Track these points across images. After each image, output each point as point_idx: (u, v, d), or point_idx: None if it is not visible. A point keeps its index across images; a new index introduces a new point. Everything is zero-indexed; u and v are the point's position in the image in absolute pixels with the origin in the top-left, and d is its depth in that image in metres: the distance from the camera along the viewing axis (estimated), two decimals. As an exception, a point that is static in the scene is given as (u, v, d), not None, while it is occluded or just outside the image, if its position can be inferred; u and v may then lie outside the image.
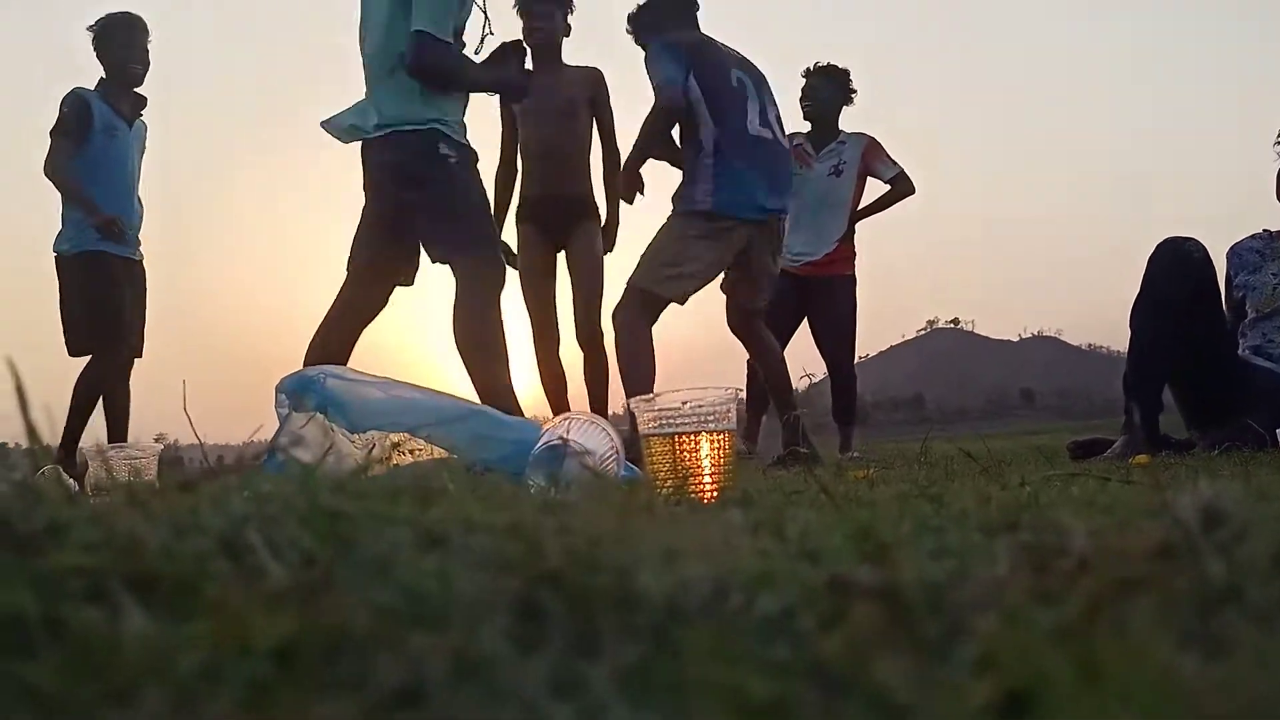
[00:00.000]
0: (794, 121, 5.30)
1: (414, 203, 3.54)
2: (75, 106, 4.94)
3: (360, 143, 3.65)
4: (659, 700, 0.31)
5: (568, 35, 4.83)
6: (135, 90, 5.19)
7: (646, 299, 4.09)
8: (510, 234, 4.93)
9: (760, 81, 4.32)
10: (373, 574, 0.41)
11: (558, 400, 4.87)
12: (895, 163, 5.87)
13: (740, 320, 4.41)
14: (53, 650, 0.34)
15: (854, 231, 5.97)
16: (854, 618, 0.35)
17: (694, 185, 4.11)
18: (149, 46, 5.19)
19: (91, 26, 5.12)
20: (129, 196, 5.15)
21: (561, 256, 4.89)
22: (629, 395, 3.92)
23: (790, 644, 0.35)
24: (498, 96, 4.62)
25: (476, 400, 3.13)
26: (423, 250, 3.66)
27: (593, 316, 4.75)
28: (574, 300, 4.82)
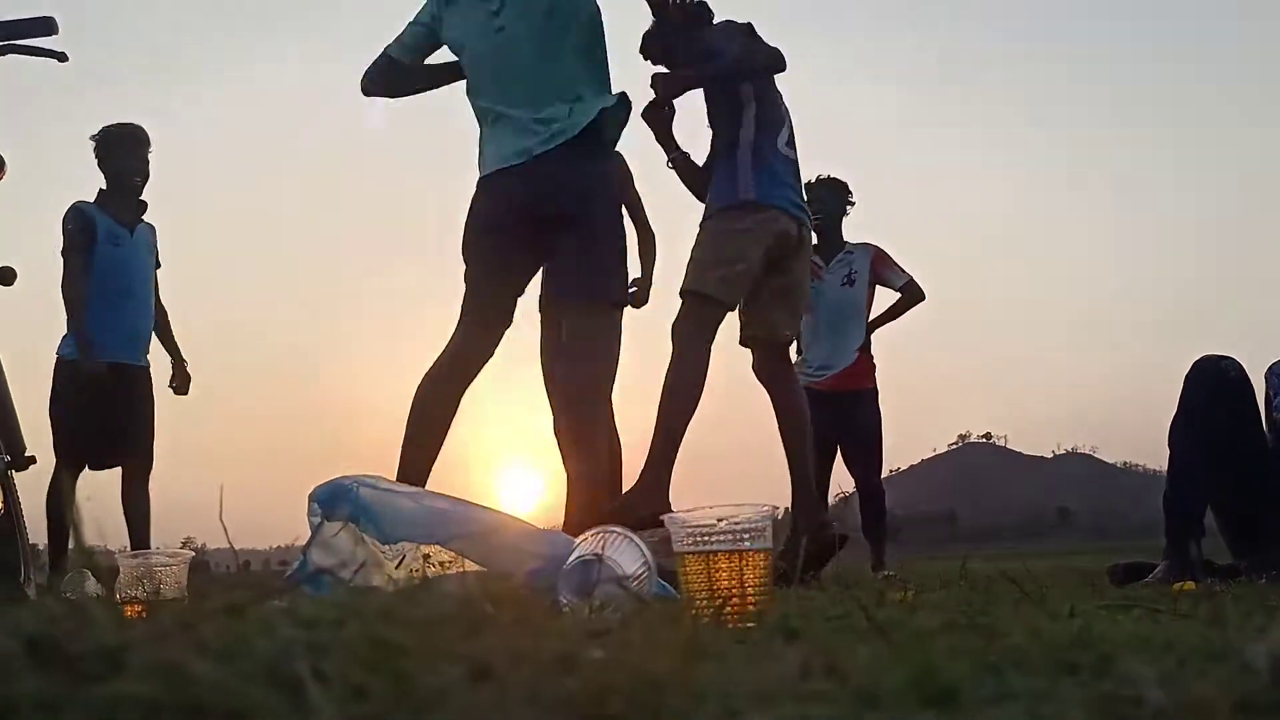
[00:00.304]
0: None
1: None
2: (78, 221, 5.04)
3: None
4: None
5: None
6: (136, 198, 5.27)
7: (703, 306, 3.88)
8: None
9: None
10: (426, 711, 0.40)
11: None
12: (904, 271, 5.90)
13: (768, 355, 4.21)
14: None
15: (870, 342, 5.98)
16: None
17: (733, 179, 3.96)
18: (149, 156, 5.30)
19: (94, 136, 5.23)
20: (135, 303, 5.19)
21: None
22: (667, 415, 3.78)
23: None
24: None
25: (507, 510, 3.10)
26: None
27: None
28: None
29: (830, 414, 5.56)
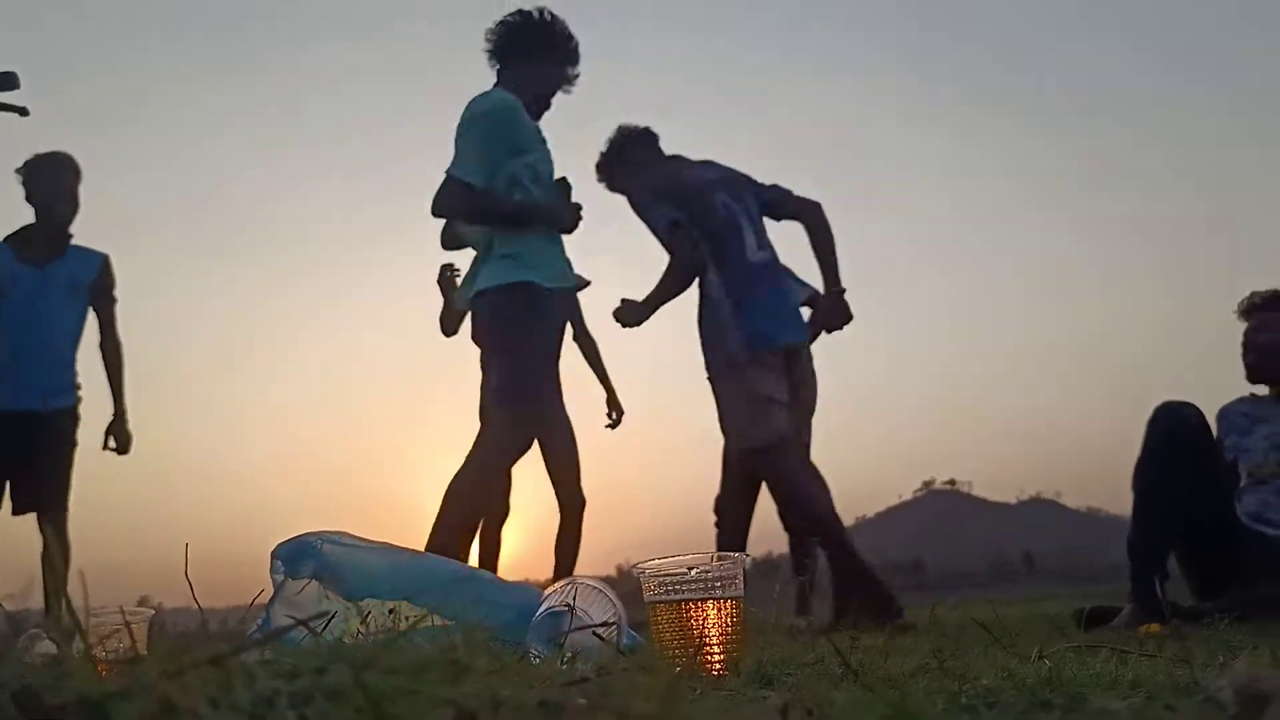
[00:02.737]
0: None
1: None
2: None
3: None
4: None
5: None
6: (60, 233, 4.89)
7: (771, 451, 4.10)
8: None
9: (740, 190, 4.31)
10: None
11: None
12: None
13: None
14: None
15: None
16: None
17: (725, 339, 4.10)
18: (78, 188, 4.93)
19: (19, 169, 4.89)
20: (37, 345, 4.76)
21: None
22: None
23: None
24: None
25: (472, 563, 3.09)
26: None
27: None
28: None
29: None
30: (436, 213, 3.79)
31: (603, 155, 4.61)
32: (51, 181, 4.86)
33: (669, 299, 4.30)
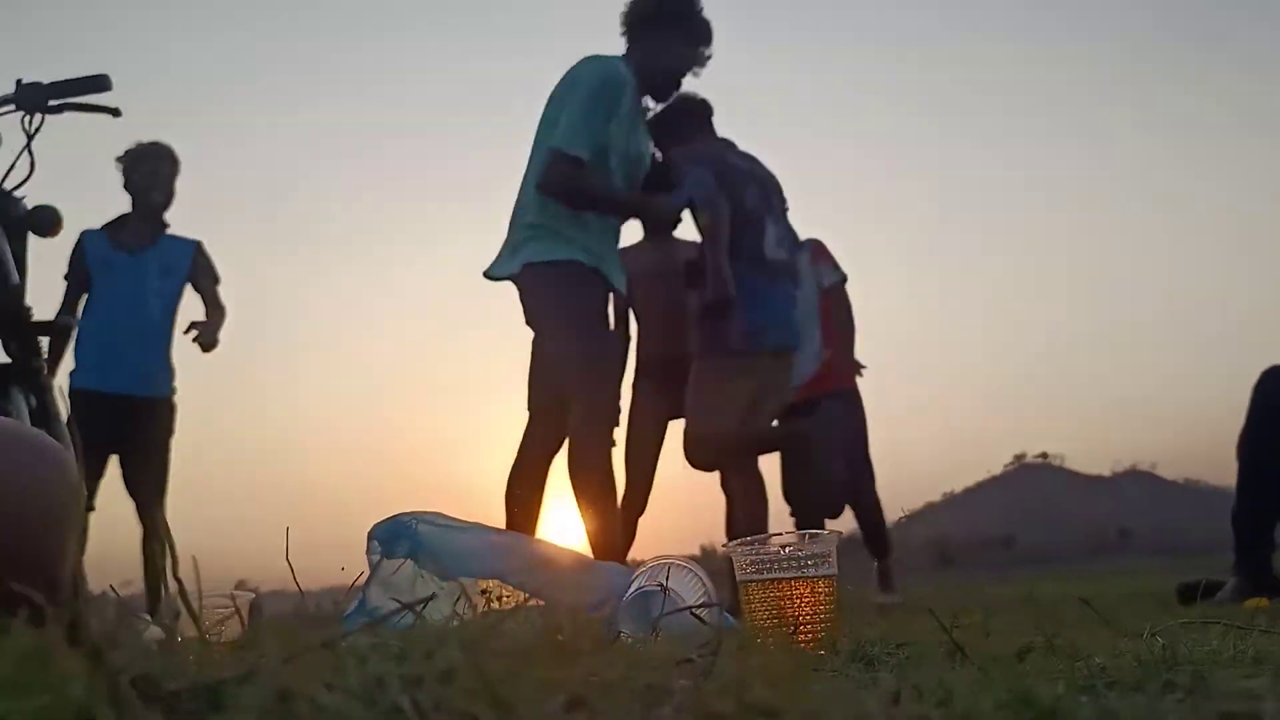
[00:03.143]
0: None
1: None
2: (72, 251, 4.87)
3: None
4: None
5: None
6: (155, 219, 5.00)
7: (730, 444, 4.11)
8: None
9: (772, 191, 4.30)
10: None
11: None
12: (839, 268, 5.51)
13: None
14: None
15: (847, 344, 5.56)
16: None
17: (723, 326, 4.06)
18: (175, 178, 5.05)
19: (119, 157, 5.02)
20: (132, 330, 4.84)
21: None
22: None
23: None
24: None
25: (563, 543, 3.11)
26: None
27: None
28: None
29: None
30: (547, 191, 3.63)
31: (656, 117, 4.52)
32: (150, 170, 4.96)
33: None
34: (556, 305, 3.71)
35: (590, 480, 3.57)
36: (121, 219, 4.98)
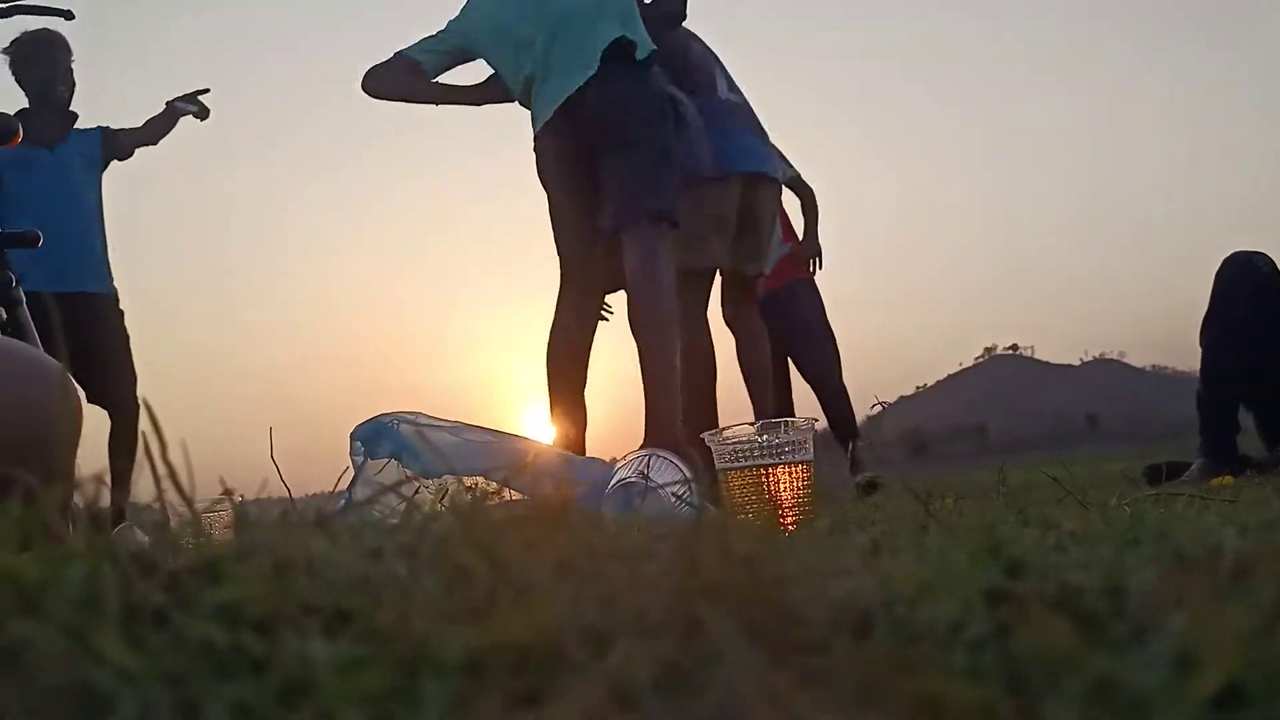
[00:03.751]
0: None
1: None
2: None
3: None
4: (856, 712, 0.30)
5: None
6: (63, 110, 4.76)
7: (686, 280, 3.95)
8: None
9: (716, 59, 4.31)
10: (533, 595, 0.41)
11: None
12: (789, 165, 5.36)
13: (730, 294, 4.38)
14: (251, 678, 0.35)
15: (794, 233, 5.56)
16: (1036, 622, 0.34)
17: (689, 156, 3.86)
18: (71, 64, 4.78)
19: (6, 49, 4.69)
20: (68, 226, 4.60)
21: None
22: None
23: (971, 652, 0.35)
24: None
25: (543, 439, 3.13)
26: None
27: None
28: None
29: (772, 319, 5.16)
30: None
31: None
32: (48, 60, 4.70)
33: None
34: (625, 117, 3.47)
35: (657, 330, 3.26)
36: (20, 115, 4.51)
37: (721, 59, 4.37)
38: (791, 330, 5.40)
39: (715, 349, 4.18)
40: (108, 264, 4.81)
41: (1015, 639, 0.35)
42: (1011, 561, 0.53)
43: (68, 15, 3.24)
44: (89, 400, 4.63)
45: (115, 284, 4.82)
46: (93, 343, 4.58)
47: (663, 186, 3.39)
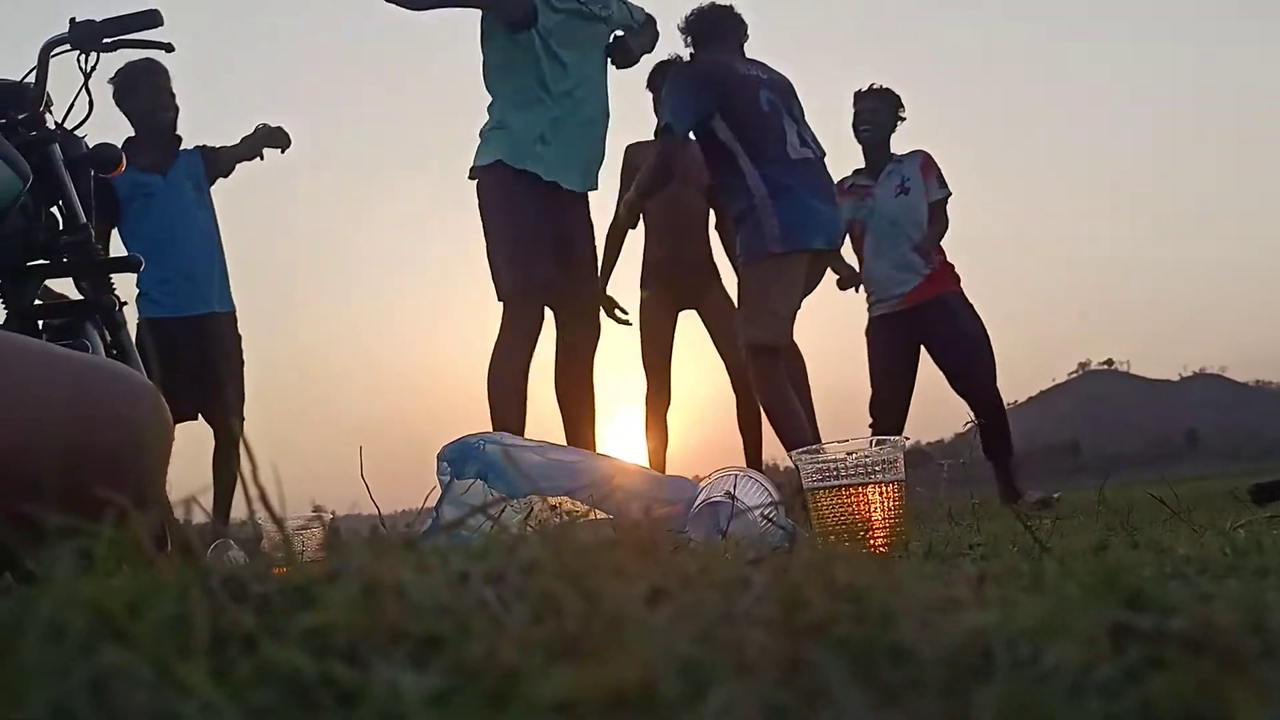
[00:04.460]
0: (832, 143, 4.91)
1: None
2: (95, 188, 4.74)
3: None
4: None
5: None
6: (169, 136, 4.89)
7: (766, 354, 4.11)
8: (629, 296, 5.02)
9: (789, 95, 4.28)
10: (624, 630, 0.39)
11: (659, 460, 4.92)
12: (945, 185, 5.41)
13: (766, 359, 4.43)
14: (337, 711, 0.34)
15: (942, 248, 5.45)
16: (1177, 666, 0.32)
17: (759, 229, 4.05)
18: (172, 88, 4.91)
19: (111, 79, 4.77)
20: (185, 249, 4.75)
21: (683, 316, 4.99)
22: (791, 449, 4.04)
23: (1104, 697, 0.32)
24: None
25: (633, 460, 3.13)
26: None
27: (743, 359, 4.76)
28: (722, 349, 4.86)
29: (916, 332, 5.23)
30: None
31: (694, 13, 4.51)
32: (152, 87, 4.81)
33: (645, 201, 4.42)
34: (485, 213, 3.81)
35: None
36: (129, 144, 4.70)
37: (794, 87, 4.35)
38: (948, 342, 5.27)
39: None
40: (228, 281, 4.95)
41: (1153, 683, 0.32)
42: (1131, 593, 0.50)
43: (168, 48, 3.35)
44: (204, 418, 4.79)
45: (234, 301, 4.97)
46: (212, 362, 4.71)
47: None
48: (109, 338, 2.91)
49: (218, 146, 5.00)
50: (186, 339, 4.65)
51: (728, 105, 4.11)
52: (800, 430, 4.01)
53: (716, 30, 4.43)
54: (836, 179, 5.28)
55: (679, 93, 4.16)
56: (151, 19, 3.19)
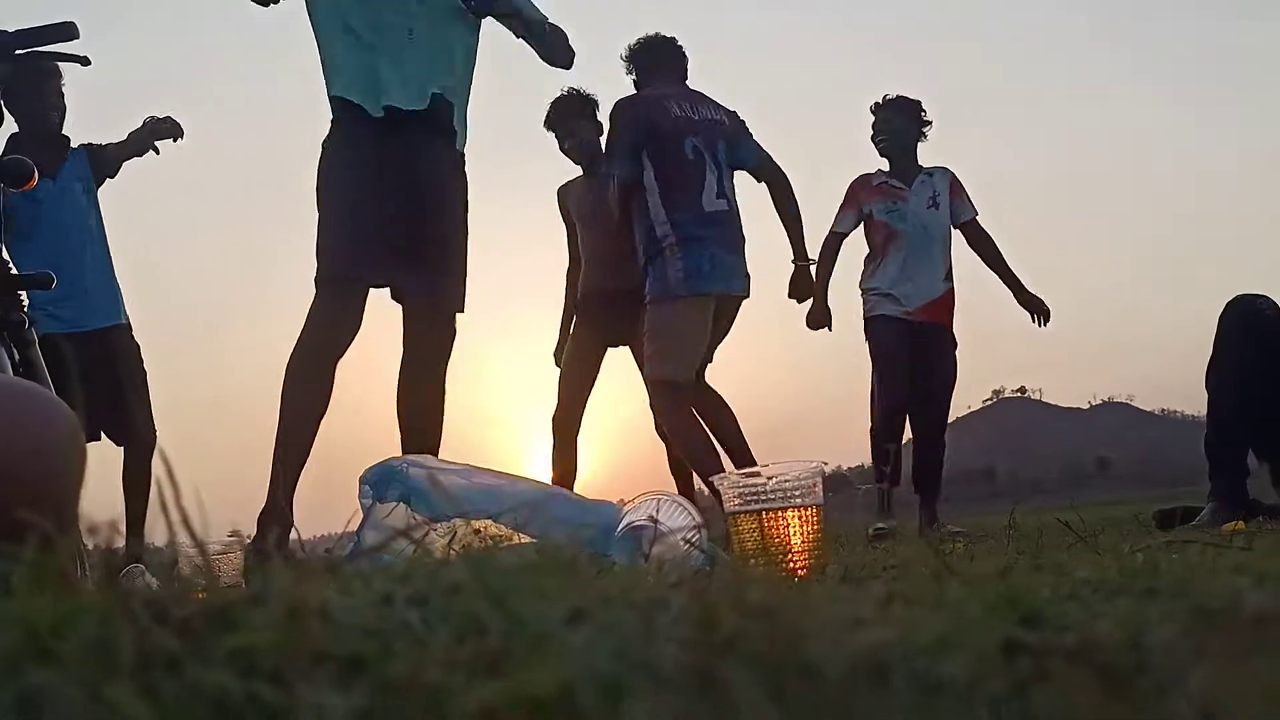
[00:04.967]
0: (848, 155, 4.96)
1: None
2: None
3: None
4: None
5: (602, 135, 4.82)
6: (56, 136, 4.64)
7: (669, 388, 4.24)
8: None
9: (718, 137, 4.36)
10: (546, 646, 0.41)
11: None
12: (973, 206, 5.42)
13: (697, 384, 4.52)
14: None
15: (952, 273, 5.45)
16: (1059, 678, 0.34)
17: (665, 271, 4.20)
18: (62, 89, 4.66)
19: None
20: (78, 256, 4.49)
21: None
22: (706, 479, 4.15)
23: (991, 709, 0.34)
24: None
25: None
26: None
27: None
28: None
29: (917, 348, 5.21)
30: None
31: (634, 46, 4.58)
32: (38, 86, 4.55)
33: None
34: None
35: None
36: (12, 144, 4.39)
37: (731, 122, 4.45)
38: (934, 369, 5.32)
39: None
40: (119, 291, 4.72)
41: (1036, 695, 0.34)
42: (1028, 612, 0.52)
43: (84, 61, 3.28)
44: (108, 436, 4.57)
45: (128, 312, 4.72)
46: (111, 377, 4.49)
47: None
48: (17, 356, 2.83)
49: (103, 145, 4.73)
50: (89, 355, 4.39)
51: (654, 149, 4.23)
52: (709, 456, 4.14)
53: (658, 63, 4.53)
54: (862, 175, 5.36)
55: (621, 140, 4.29)
56: (66, 31, 3.12)
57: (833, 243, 5.32)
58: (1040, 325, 5.50)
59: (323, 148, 3.47)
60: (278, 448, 3.24)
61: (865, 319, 5.33)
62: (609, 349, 4.95)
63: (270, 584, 0.52)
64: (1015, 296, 5.47)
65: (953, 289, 5.40)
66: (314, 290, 3.34)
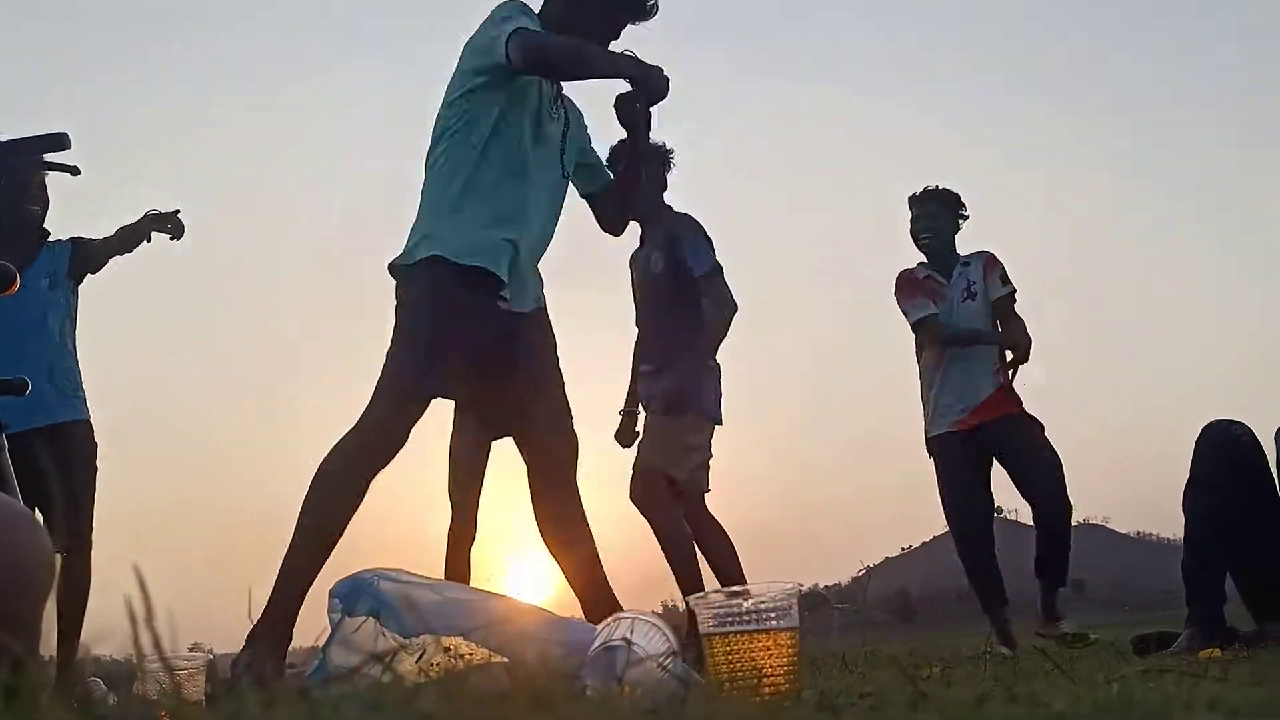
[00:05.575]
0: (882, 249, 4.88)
1: None
2: None
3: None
4: None
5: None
6: (34, 230, 4.53)
7: (660, 477, 4.41)
8: None
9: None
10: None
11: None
12: (1009, 283, 4.98)
13: (697, 507, 4.61)
14: None
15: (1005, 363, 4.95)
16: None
17: (700, 389, 4.43)
18: (45, 181, 4.55)
19: None
20: (38, 358, 4.31)
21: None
22: (682, 581, 4.28)
23: None
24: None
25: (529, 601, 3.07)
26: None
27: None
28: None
29: (983, 449, 4.89)
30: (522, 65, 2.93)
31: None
32: (18, 181, 4.42)
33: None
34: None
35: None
36: None
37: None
38: (1024, 449, 4.92)
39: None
40: (81, 388, 4.55)
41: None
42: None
43: (74, 171, 3.32)
44: (64, 544, 4.46)
45: (88, 408, 4.52)
46: (61, 476, 4.27)
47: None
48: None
49: (90, 240, 4.64)
50: (37, 452, 4.14)
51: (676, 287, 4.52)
52: (686, 550, 4.31)
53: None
54: (905, 269, 5.05)
55: (700, 236, 4.49)
56: (59, 141, 3.17)
57: (932, 321, 4.91)
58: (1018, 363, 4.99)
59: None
60: (292, 555, 2.92)
61: (925, 439, 5.04)
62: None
63: (240, 711, 0.52)
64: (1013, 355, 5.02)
65: (1005, 378, 4.94)
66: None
